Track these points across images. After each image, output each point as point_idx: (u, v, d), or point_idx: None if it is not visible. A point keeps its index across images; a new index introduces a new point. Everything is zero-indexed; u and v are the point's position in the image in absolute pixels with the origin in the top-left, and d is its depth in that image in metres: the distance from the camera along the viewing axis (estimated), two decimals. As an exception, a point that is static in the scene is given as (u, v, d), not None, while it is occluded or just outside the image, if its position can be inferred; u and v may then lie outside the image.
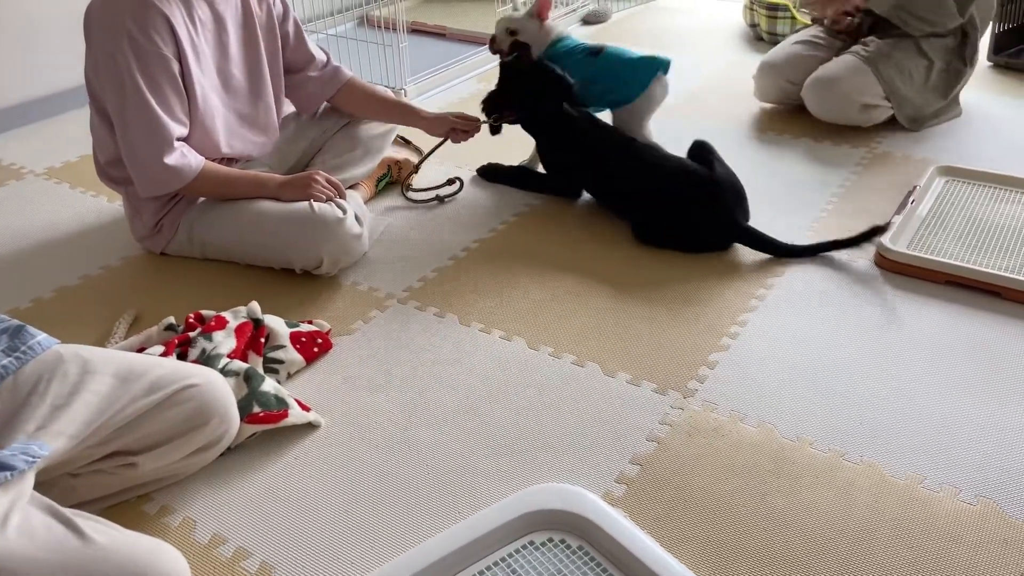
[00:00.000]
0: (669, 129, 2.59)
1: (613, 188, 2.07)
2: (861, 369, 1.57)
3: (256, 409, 1.41)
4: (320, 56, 2.09)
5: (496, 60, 3.07)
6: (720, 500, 1.30)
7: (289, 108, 2.14)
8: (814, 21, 2.73)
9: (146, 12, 1.67)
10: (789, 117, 2.60)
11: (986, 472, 1.34)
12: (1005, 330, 1.66)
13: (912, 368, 1.57)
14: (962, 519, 1.26)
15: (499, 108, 2.15)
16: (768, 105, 2.71)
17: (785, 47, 2.66)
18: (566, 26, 3.60)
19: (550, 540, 1.21)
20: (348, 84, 2.10)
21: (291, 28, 2.01)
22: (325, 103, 2.14)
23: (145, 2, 1.67)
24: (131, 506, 1.32)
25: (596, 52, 2.24)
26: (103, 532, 1.04)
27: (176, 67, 1.72)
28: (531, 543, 1.20)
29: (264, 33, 1.93)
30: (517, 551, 1.19)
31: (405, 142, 2.53)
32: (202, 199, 1.90)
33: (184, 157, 1.77)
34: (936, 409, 1.47)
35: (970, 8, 2.46)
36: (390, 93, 2.11)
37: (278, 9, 1.97)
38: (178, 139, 1.77)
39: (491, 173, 2.31)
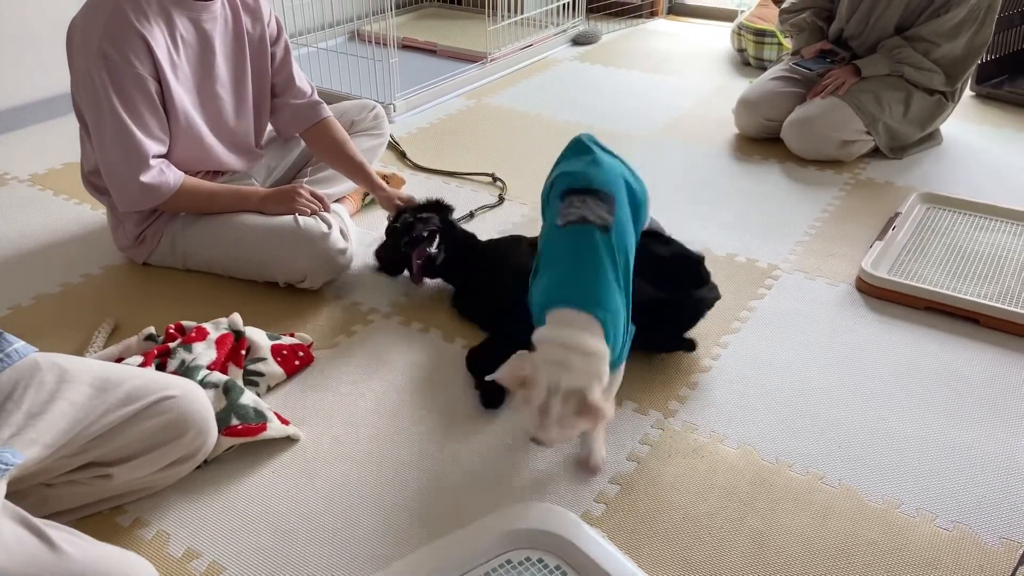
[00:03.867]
0: (655, 153, 2.62)
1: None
2: (841, 393, 1.58)
3: (235, 422, 1.40)
4: (303, 87, 2.04)
5: (492, 75, 3.08)
6: (699, 522, 1.30)
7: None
8: (794, 53, 2.76)
9: (122, 32, 1.67)
10: (773, 142, 2.63)
11: (962, 498, 1.35)
12: (982, 357, 1.67)
13: (891, 393, 1.58)
14: (938, 544, 1.27)
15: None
16: (752, 131, 2.74)
17: (762, 83, 2.69)
18: (552, 48, 3.63)
19: (528, 559, 1.20)
20: (321, 124, 2.04)
21: (280, 51, 1.99)
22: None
23: (122, 22, 1.67)
24: (105, 518, 1.31)
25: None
26: (75, 544, 1.03)
27: (154, 86, 1.72)
28: (508, 562, 1.20)
29: (253, 51, 1.93)
30: (495, 570, 1.19)
31: (400, 155, 2.53)
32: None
33: (162, 174, 1.76)
34: (914, 434, 1.48)
35: (963, 78, 2.50)
36: (358, 153, 2.05)
37: (272, 29, 1.96)
38: (156, 156, 1.76)
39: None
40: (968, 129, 2.76)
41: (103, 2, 1.68)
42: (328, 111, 2.07)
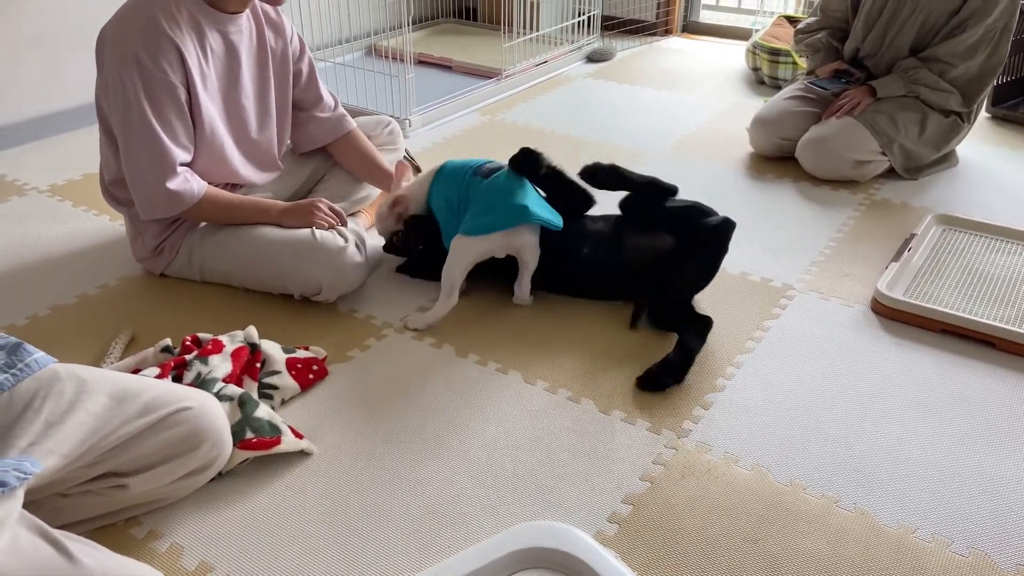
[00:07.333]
0: (668, 170, 2.62)
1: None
2: (856, 415, 1.57)
3: (249, 435, 1.41)
4: (328, 100, 2.12)
5: (507, 91, 3.11)
6: (712, 543, 1.30)
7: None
8: (809, 73, 2.76)
9: (156, 39, 1.69)
10: (787, 160, 2.63)
11: (977, 523, 1.34)
12: (998, 380, 1.66)
13: (906, 416, 1.57)
14: (954, 570, 1.26)
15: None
16: (767, 149, 2.75)
17: (777, 102, 2.69)
18: (567, 65, 3.65)
19: (540, 578, 1.20)
20: (348, 136, 2.13)
21: (305, 67, 2.04)
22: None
23: (156, 29, 1.69)
24: (119, 530, 1.31)
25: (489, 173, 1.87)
26: (91, 555, 1.03)
27: (183, 95, 1.74)
28: (521, 580, 1.20)
29: (276, 66, 1.96)
30: (506, 588, 1.19)
31: (416, 170, 2.54)
32: (204, 223, 1.91)
33: (186, 182, 1.78)
34: (929, 458, 1.47)
35: (979, 99, 2.50)
36: (385, 163, 2.12)
37: (295, 45, 2.00)
38: (182, 164, 1.78)
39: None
40: (984, 151, 2.76)
41: (137, 11, 1.71)
42: (354, 123, 2.14)
